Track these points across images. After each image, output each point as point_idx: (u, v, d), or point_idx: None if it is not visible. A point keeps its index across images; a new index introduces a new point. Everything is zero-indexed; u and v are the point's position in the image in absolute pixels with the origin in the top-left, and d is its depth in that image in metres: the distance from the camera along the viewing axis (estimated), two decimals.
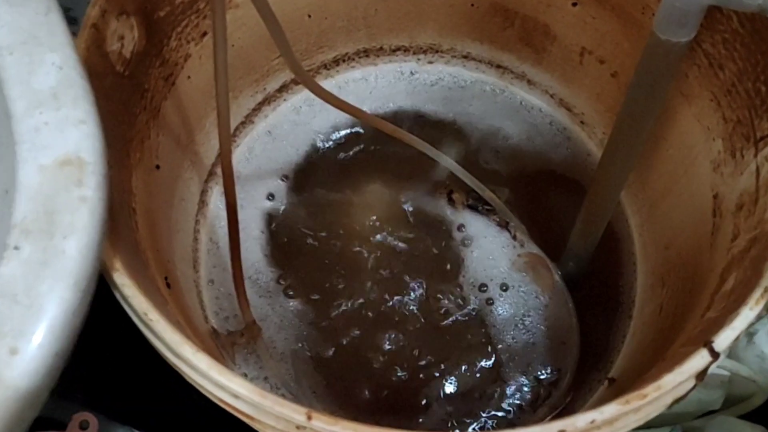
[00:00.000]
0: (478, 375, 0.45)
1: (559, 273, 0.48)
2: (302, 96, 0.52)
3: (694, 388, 0.28)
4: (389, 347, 0.45)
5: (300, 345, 0.45)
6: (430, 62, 0.54)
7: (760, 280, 0.28)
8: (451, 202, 0.50)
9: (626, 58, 0.45)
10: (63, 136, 0.24)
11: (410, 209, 0.50)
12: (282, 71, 0.51)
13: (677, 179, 0.43)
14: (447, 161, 0.48)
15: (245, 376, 0.44)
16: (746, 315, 0.28)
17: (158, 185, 0.41)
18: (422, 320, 0.46)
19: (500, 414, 0.44)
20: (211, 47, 0.42)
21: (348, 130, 0.53)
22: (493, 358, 0.45)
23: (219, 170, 0.49)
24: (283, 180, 0.51)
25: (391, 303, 0.46)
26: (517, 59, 0.52)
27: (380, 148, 0.52)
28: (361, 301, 0.47)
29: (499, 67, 0.53)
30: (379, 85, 0.54)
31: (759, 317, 0.33)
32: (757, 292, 0.28)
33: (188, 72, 0.43)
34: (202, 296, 0.46)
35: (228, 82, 0.35)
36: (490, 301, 0.47)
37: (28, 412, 0.22)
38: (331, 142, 0.53)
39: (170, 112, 0.42)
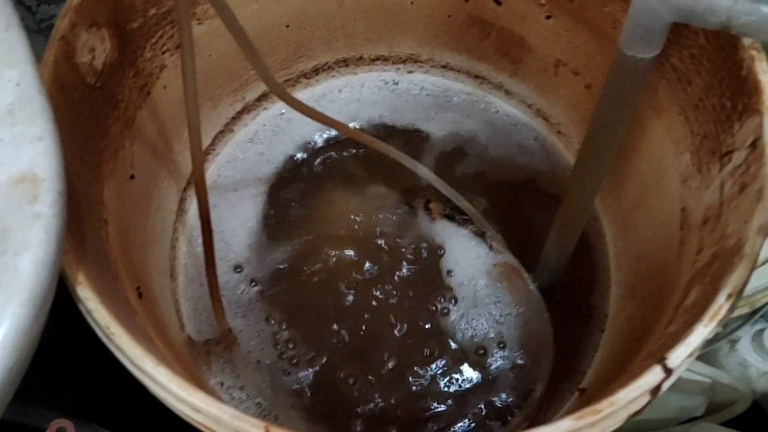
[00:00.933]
0: (452, 384, 0.45)
1: (535, 283, 0.48)
2: (283, 104, 0.52)
3: (649, 403, 0.28)
4: (363, 355, 0.46)
5: (276, 355, 0.45)
6: (410, 72, 0.54)
7: (716, 297, 0.29)
8: (428, 211, 0.50)
9: (599, 70, 0.45)
10: (18, 152, 0.24)
11: (387, 217, 0.50)
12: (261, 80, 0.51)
13: (649, 191, 0.43)
14: (424, 171, 0.48)
15: (221, 384, 0.44)
16: (700, 332, 0.28)
17: (133, 195, 0.41)
18: (398, 327, 0.46)
19: (474, 424, 0.44)
20: None
21: (329, 140, 0.53)
22: (467, 368, 0.45)
23: None
24: (262, 188, 0.51)
25: (366, 315, 0.47)
26: (494, 70, 0.52)
27: (358, 157, 0.52)
28: (339, 313, 0.47)
29: (477, 77, 0.53)
30: (359, 95, 0.54)
31: (720, 333, 0.33)
32: (712, 309, 0.28)
33: (164, 82, 0.43)
34: (179, 305, 0.46)
35: (197, 93, 0.35)
36: (465, 311, 0.47)
37: None
38: (311, 151, 0.53)
39: (146, 122, 0.42)
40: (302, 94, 0.53)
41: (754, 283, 0.50)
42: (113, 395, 0.49)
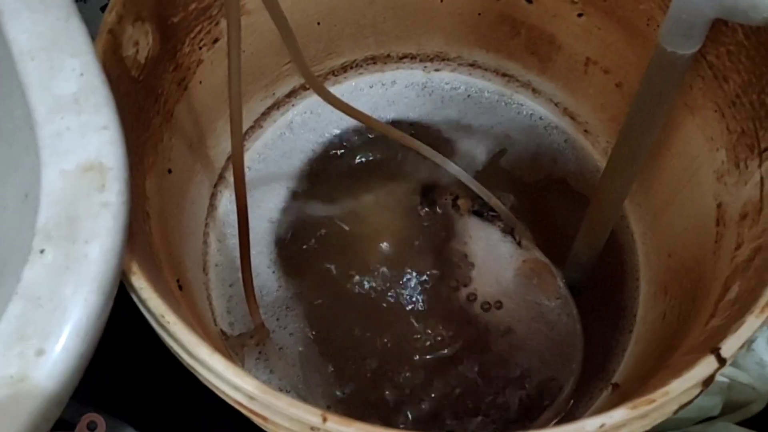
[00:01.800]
0: (482, 381, 0.45)
1: (564, 280, 0.48)
2: (311, 101, 0.53)
3: (699, 394, 0.28)
4: (392, 346, 0.46)
5: (309, 348, 0.46)
6: (437, 70, 0.55)
7: (765, 289, 0.29)
8: (456, 208, 0.51)
9: (631, 68, 0.45)
10: (85, 141, 0.24)
11: (416, 215, 0.51)
12: (291, 76, 0.51)
13: (680, 188, 0.43)
14: (453, 167, 0.48)
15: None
16: (752, 323, 0.28)
17: (170, 189, 0.42)
18: (428, 318, 0.47)
19: (502, 419, 0.44)
20: (222, 53, 0.43)
21: (357, 136, 0.53)
22: (495, 363, 0.46)
23: (228, 174, 0.50)
24: (291, 184, 0.52)
25: (397, 314, 0.47)
26: (522, 68, 0.52)
27: (388, 154, 0.53)
28: (369, 299, 0.47)
29: (504, 75, 0.53)
30: (387, 92, 0.55)
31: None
32: (762, 301, 0.28)
33: (200, 77, 0.44)
34: (211, 299, 0.47)
35: (241, 87, 0.35)
36: (496, 307, 0.47)
37: (52, 412, 0.23)
38: (339, 148, 0.53)
39: (183, 116, 0.43)
40: (331, 90, 0.53)
41: None
42: (145, 391, 0.49)
